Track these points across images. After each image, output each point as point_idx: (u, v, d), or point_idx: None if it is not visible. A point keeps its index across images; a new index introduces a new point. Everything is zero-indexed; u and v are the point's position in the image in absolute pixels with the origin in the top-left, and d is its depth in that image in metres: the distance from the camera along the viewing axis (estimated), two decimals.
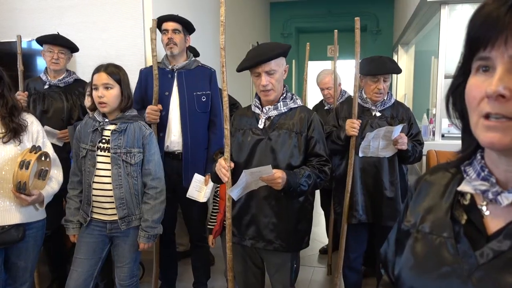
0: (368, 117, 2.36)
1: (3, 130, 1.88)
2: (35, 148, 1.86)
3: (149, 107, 2.42)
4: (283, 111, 1.84)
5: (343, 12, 6.84)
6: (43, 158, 1.92)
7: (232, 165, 1.77)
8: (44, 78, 2.70)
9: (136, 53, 3.25)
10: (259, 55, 1.75)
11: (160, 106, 2.45)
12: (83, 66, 3.20)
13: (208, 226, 2.65)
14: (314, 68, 8.19)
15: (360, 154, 2.28)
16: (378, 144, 2.23)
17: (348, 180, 2.30)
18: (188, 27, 2.53)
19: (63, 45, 2.65)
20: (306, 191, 1.76)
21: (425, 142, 2.49)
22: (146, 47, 3.21)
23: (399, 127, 2.16)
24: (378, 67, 2.27)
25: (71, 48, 2.73)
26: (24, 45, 2.77)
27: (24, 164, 1.79)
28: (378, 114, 2.35)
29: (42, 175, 1.94)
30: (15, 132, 1.89)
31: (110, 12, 3.26)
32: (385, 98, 2.36)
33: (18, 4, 3.41)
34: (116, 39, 3.27)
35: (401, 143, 2.19)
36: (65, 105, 2.68)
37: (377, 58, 2.34)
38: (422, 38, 5.40)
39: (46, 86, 2.69)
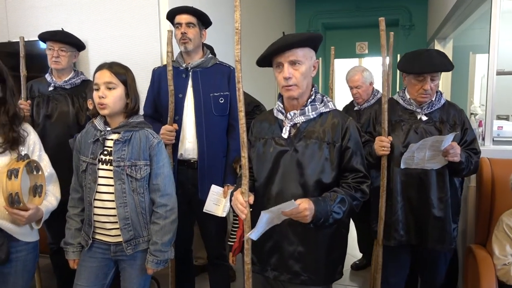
0: (412, 121, 2.02)
1: (0, 140, 1.65)
2: (22, 157, 1.62)
3: (164, 127, 2.17)
4: (312, 116, 1.53)
5: (373, 6, 6.46)
6: (34, 172, 1.68)
7: (251, 199, 1.46)
8: (49, 79, 2.47)
9: (151, 52, 3.02)
10: (282, 41, 1.45)
11: (176, 126, 2.19)
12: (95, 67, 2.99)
13: (228, 243, 2.38)
14: (342, 66, 7.84)
15: (402, 166, 1.95)
16: (424, 154, 1.89)
17: (382, 194, 1.96)
18: (203, 20, 2.24)
19: (63, 41, 2.40)
20: (340, 220, 1.45)
21: None
22: (162, 45, 2.97)
23: (450, 136, 1.81)
24: (424, 64, 1.93)
25: (76, 45, 2.48)
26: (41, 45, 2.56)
27: (12, 173, 1.55)
28: (424, 117, 2.01)
29: (38, 191, 1.70)
30: (13, 142, 1.67)
31: (123, 9, 3.06)
32: (433, 99, 2.01)
33: (30, 2, 3.26)
34: (130, 37, 3.06)
35: (452, 154, 1.84)
36: (71, 109, 2.44)
37: (423, 52, 1.99)
38: (461, 32, 4.99)
39: (50, 88, 2.46)
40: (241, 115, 1.41)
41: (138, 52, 3.05)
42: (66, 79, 2.46)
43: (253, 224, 1.46)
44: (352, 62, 7.50)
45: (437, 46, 5.44)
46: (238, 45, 1.35)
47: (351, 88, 3.04)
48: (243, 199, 1.43)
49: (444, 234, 1.96)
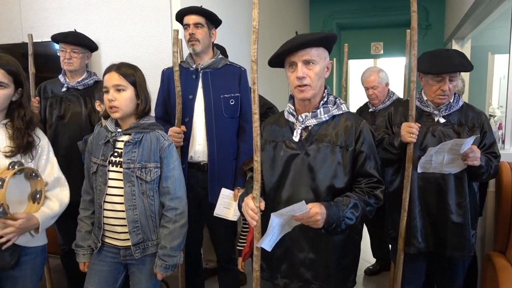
0: (430, 123, 1.95)
1: (12, 144, 1.62)
2: (14, 164, 1.57)
3: (171, 129, 2.13)
4: (324, 119, 1.47)
5: (389, 6, 6.35)
6: (34, 177, 1.63)
7: (263, 206, 1.41)
8: (62, 80, 2.47)
9: (164, 52, 3.00)
10: (296, 40, 1.40)
11: (183, 128, 2.16)
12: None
13: (238, 247, 2.33)
14: (357, 67, 7.74)
15: (419, 170, 1.87)
16: (443, 158, 1.81)
17: (405, 199, 1.89)
18: (212, 20, 2.21)
19: (75, 43, 2.39)
20: (352, 225, 1.39)
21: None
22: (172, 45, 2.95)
23: (470, 140, 1.74)
24: (442, 64, 1.85)
25: (88, 46, 2.47)
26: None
27: None
28: (442, 120, 1.93)
29: (37, 198, 1.65)
30: (26, 147, 1.64)
31: (135, 10, 3.05)
32: (451, 101, 1.94)
33: (43, 3, 3.28)
34: (142, 37, 3.06)
35: (472, 158, 1.77)
36: (83, 109, 2.44)
37: (441, 52, 1.92)
38: (480, 32, 4.86)
39: (64, 89, 2.46)
40: (255, 117, 1.36)
41: (151, 53, 3.03)
42: (79, 80, 2.45)
43: (263, 231, 1.41)
44: (367, 63, 7.42)
45: (455, 46, 5.31)
46: (255, 45, 1.30)
47: (366, 89, 2.97)
48: (254, 205, 1.38)
49: (462, 241, 1.88)
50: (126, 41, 3.10)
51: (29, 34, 2.44)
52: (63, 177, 1.79)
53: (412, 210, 1.92)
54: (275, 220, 1.28)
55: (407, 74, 2.68)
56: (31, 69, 2.41)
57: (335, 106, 1.49)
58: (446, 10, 6.18)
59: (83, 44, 2.43)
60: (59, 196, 1.75)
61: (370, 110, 3.01)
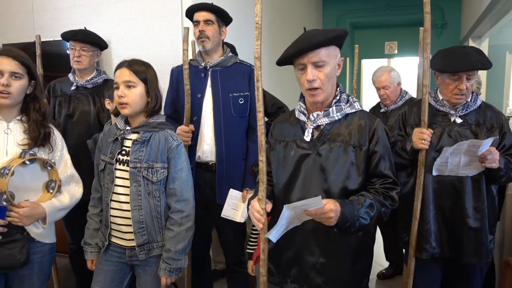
0: (446, 123, 1.87)
1: (27, 138, 1.63)
2: (25, 154, 1.59)
3: (179, 128, 2.10)
4: (337, 118, 1.42)
5: (403, 5, 6.23)
6: (48, 167, 1.66)
7: (269, 208, 1.37)
8: (71, 78, 2.46)
9: (174, 50, 2.98)
10: (305, 40, 1.34)
11: (192, 127, 2.12)
12: None
13: (247, 250, 2.28)
14: (371, 67, 7.63)
15: (434, 173, 1.80)
16: (459, 160, 1.74)
17: (417, 205, 1.83)
18: (223, 17, 2.16)
19: (85, 41, 2.37)
20: (367, 226, 1.33)
21: None
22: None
23: (488, 141, 1.66)
24: (459, 62, 1.78)
25: (98, 44, 2.45)
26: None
27: (4, 171, 1.52)
28: (459, 120, 1.85)
29: (51, 186, 1.68)
30: (44, 139, 1.66)
31: (146, 8, 3.04)
32: (469, 100, 1.86)
33: (55, 3, 3.29)
34: (153, 36, 3.04)
35: (490, 160, 1.69)
36: (92, 108, 2.42)
37: (458, 49, 1.84)
38: (498, 30, 4.73)
39: (73, 88, 2.45)
40: (259, 116, 1.32)
41: (162, 51, 3.02)
42: (88, 79, 2.43)
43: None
44: (380, 63, 7.30)
45: (472, 45, 5.18)
46: (258, 41, 1.26)
47: (378, 89, 2.91)
48: (259, 207, 1.33)
49: (480, 247, 1.80)
50: (137, 39, 3.09)
51: (37, 35, 2.43)
52: (76, 174, 1.81)
53: (426, 214, 1.85)
54: (286, 212, 1.23)
55: (420, 74, 2.61)
56: (39, 69, 2.40)
57: (348, 104, 1.44)
58: (462, 9, 6.05)
59: (93, 42, 2.41)
60: (72, 191, 1.77)
61: (382, 110, 2.94)
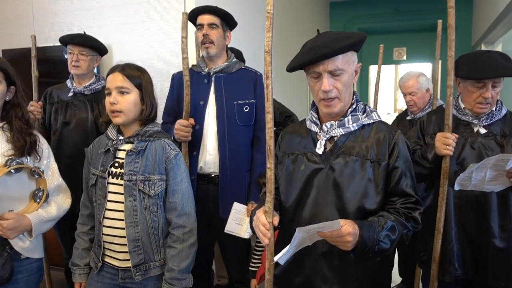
0: (468, 134, 1.73)
1: (12, 148, 1.51)
2: (11, 162, 1.47)
3: (178, 121, 1.96)
4: (352, 129, 1.28)
5: (413, 10, 6.10)
6: (36, 176, 1.54)
7: (276, 221, 1.23)
8: (69, 84, 2.35)
9: (177, 56, 2.86)
10: (321, 47, 1.20)
11: (192, 121, 1.98)
12: None
13: (251, 268, 2.14)
14: (376, 72, 7.49)
15: (456, 187, 1.65)
16: (484, 175, 1.59)
17: (439, 219, 1.68)
18: (227, 21, 2.04)
19: (83, 44, 2.26)
20: (387, 250, 1.19)
21: None
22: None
23: None
24: (485, 68, 1.63)
25: (97, 49, 2.34)
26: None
27: None
28: (482, 130, 1.71)
29: (39, 196, 1.56)
30: (31, 148, 1.54)
31: (149, 12, 2.93)
32: (494, 109, 1.72)
33: (56, 7, 3.19)
34: (156, 41, 2.93)
35: None
36: (89, 115, 2.30)
37: (483, 54, 1.70)
38: (511, 36, 4.58)
39: (70, 94, 2.33)
40: (269, 117, 1.19)
41: (164, 56, 2.90)
42: (86, 85, 2.32)
43: (277, 250, 1.22)
44: (388, 69, 7.16)
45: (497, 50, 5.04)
46: (269, 33, 1.13)
47: (404, 94, 2.74)
48: (266, 220, 1.19)
49: (507, 269, 1.65)
50: (139, 45, 2.98)
51: (32, 35, 2.32)
52: (64, 183, 1.70)
53: (448, 232, 1.70)
54: (299, 234, 1.09)
55: (437, 78, 2.47)
56: (34, 72, 2.29)
57: (365, 114, 1.30)
58: (474, 14, 5.90)
59: (92, 46, 2.30)
60: (59, 202, 1.66)
61: (408, 117, 2.77)
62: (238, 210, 2.02)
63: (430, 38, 7.13)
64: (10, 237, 1.47)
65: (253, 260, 2.15)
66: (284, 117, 2.54)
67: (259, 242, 2.14)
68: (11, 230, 1.46)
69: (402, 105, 10.61)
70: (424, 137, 1.83)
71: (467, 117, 1.74)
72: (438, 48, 2.32)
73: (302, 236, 1.11)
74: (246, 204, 2.04)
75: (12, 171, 1.46)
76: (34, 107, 2.20)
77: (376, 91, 2.62)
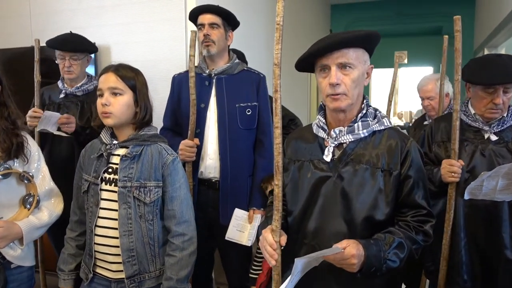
0: (478, 141, 1.67)
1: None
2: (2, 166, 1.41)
3: (183, 142, 1.90)
4: (362, 135, 1.21)
5: (414, 13, 6.07)
6: (25, 181, 1.47)
7: (284, 240, 1.16)
8: (60, 85, 2.28)
9: (178, 57, 2.80)
10: (330, 37, 1.15)
11: (197, 141, 1.92)
12: None
13: (251, 275, 2.08)
14: (378, 76, 7.45)
15: (466, 196, 1.60)
16: (496, 184, 1.53)
17: (447, 233, 1.62)
18: (229, 20, 1.98)
19: (74, 50, 2.19)
20: (396, 268, 1.12)
21: None
22: (187, 50, 2.75)
23: None
24: (496, 73, 1.58)
25: (87, 50, 2.27)
26: None
27: None
28: (493, 137, 1.65)
29: (29, 202, 1.49)
30: (17, 149, 1.47)
31: (148, 12, 2.87)
32: (505, 115, 1.66)
33: (53, 7, 3.13)
34: (156, 41, 2.86)
35: None
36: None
37: (494, 59, 1.65)
38: None
39: (61, 95, 2.26)
40: (277, 132, 1.12)
41: (164, 57, 2.84)
42: (78, 86, 2.25)
43: (283, 269, 1.16)
44: (389, 72, 7.11)
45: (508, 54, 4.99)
46: (278, 45, 1.08)
47: (422, 99, 2.67)
48: (273, 239, 1.13)
49: None
50: (139, 45, 2.92)
51: (36, 39, 2.22)
52: (56, 187, 1.63)
53: (457, 242, 1.64)
54: (300, 262, 1.02)
55: (444, 86, 2.40)
56: (37, 76, 2.19)
57: (376, 120, 1.23)
58: (476, 18, 5.87)
59: (83, 49, 2.23)
60: (50, 207, 1.59)
61: (425, 122, 2.69)
62: (239, 217, 1.96)
63: (432, 41, 7.13)
64: (0, 246, 1.40)
65: (254, 267, 2.09)
66: (287, 120, 2.48)
67: (260, 249, 2.08)
68: (1, 239, 1.39)
69: (401, 109, 10.60)
70: (430, 146, 1.78)
71: (477, 123, 1.68)
72: (443, 63, 2.27)
73: (304, 263, 1.05)
74: (248, 211, 1.98)
75: (0, 177, 1.39)
76: (37, 113, 2.04)
77: (390, 101, 2.53)
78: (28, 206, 1.49)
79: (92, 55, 2.40)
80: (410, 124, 6.62)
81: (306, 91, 5.16)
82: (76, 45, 2.21)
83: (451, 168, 1.60)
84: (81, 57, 2.22)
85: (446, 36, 2.30)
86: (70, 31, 2.33)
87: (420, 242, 1.17)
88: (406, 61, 6.94)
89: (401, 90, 9.75)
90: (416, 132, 2.72)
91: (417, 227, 1.17)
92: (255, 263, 2.10)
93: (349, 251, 1.04)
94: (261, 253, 2.07)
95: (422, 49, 6.52)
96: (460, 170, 1.60)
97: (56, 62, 2.24)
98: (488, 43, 4.85)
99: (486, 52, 5.01)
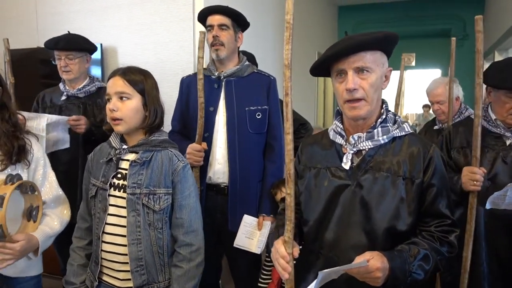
0: (500, 147, 1.60)
1: (1, 153, 1.41)
2: (12, 177, 1.33)
3: (190, 146, 1.84)
4: (382, 141, 1.15)
5: (423, 15, 6.00)
6: (29, 192, 1.40)
7: (296, 252, 1.10)
8: (62, 88, 2.23)
9: (186, 59, 2.75)
10: (345, 40, 1.10)
11: (205, 145, 1.86)
12: None
13: (260, 284, 2.01)
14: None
15: (488, 206, 1.53)
16: None
17: (468, 245, 1.54)
18: (239, 21, 1.92)
19: (68, 48, 2.13)
20: (421, 281, 1.06)
21: None
22: (196, 51, 2.70)
23: None
24: None
25: (84, 49, 2.21)
26: None
27: None
28: None
29: (33, 215, 1.42)
30: (19, 153, 1.43)
31: (156, 13, 2.82)
32: None
33: (59, 8, 3.10)
34: (163, 43, 2.82)
35: None
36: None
37: None
38: None
39: (63, 98, 2.21)
40: (288, 138, 1.06)
41: (172, 59, 2.79)
42: (79, 87, 2.20)
43: (298, 281, 1.10)
44: (396, 75, 7.03)
45: (498, 58, 4.92)
46: (288, 45, 1.01)
47: (432, 103, 2.60)
48: (285, 251, 1.07)
49: None
50: (145, 46, 2.87)
51: (5, 38, 2.14)
52: (63, 194, 1.58)
53: (478, 254, 1.58)
54: (321, 275, 0.96)
55: (454, 89, 2.32)
56: (10, 78, 2.15)
57: (396, 125, 1.17)
58: (485, 19, 5.79)
59: (78, 48, 2.17)
60: (59, 214, 1.54)
61: (436, 127, 2.63)
62: (249, 223, 1.90)
63: (440, 44, 7.04)
64: (18, 259, 1.35)
65: (262, 276, 2.02)
66: (297, 125, 2.42)
67: (269, 257, 2.02)
68: (21, 253, 1.34)
69: (407, 111, 10.51)
70: (449, 151, 1.71)
71: (498, 129, 1.62)
72: (452, 66, 2.20)
73: (325, 276, 0.99)
74: (257, 217, 1.92)
75: (17, 188, 1.32)
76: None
77: (397, 104, 2.48)
78: (34, 219, 1.42)
79: (92, 55, 2.33)
80: (416, 127, 6.54)
81: (313, 94, 5.10)
82: (71, 44, 2.16)
83: (473, 176, 1.53)
84: (78, 56, 2.16)
85: (454, 38, 2.24)
86: (68, 31, 2.28)
87: (445, 253, 1.11)
88: (413, 63, 6.89)
89: (407, 92, 9.67)
90: (426, 136, 2.65)
91: (441, 237, 1.11)
92: (264, 271, 2.03)
93: (373, 264, 0.98)
94: (270, 261, 2.01)
95: (430, 51, 6.44)
96: (482, 178, 1.53)
97: (53, 63, 2.20)
98: (498, 46, 4.78)
99: (496, 54, 4.94)
